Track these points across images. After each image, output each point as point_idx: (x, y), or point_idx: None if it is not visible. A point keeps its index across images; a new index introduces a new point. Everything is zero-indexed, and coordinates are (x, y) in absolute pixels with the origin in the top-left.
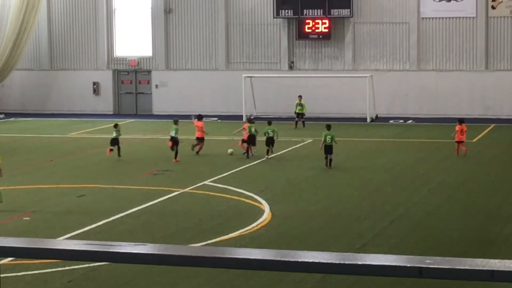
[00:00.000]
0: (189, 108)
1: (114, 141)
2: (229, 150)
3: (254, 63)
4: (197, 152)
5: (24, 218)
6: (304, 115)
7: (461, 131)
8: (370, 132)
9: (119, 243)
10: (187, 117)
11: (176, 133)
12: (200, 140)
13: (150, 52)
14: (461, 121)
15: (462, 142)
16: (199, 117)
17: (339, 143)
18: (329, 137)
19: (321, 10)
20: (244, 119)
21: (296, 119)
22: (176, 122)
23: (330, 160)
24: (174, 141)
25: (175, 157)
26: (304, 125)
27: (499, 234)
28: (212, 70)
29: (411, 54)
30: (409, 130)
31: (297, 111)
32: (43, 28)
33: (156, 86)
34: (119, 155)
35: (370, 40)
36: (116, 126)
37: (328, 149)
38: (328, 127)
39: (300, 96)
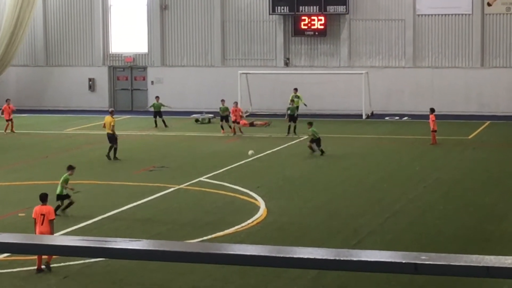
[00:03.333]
0: (185, 105)
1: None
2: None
3: (250, 60)
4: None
5: (20, 214)
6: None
7: (434, 121)
8: (365, 129)
9: (115, 239)
10: (185, 113)
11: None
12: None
13: (145, 49)
14: (432, 110)
15: (436, 131)
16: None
17: (333, 139)
18: (314, 130)
19: (317, 6)
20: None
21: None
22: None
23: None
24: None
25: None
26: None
27: (495, 231)
28: (208, 66)
29: (407, 51)
30: (404, 127)
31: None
32: (39, 24)
33: (152, 82)
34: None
35: (366, 37)
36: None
37: (318, 142)
38: (311, 124)
39: (295, 89)
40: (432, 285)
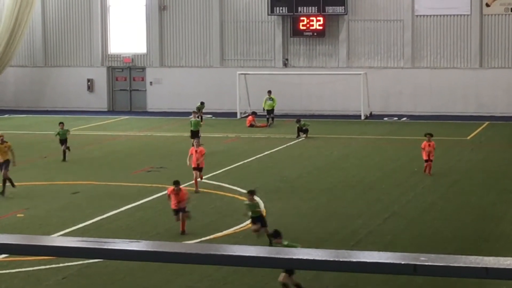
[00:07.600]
0: (183, 105)
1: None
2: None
3: (248, 60)
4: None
5: (18, 215)
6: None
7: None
8: (364, 130)
9: (113, 240)
10: (184, 113)
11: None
12: None
13: (144, 49)
14: (431, 135)
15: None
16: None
17: (332, 140)
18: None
19: (316, 7)
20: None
21: (267, 116)
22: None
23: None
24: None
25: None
26: (272, 121)
27: (493, 232)
28: (207, 67)
29: (405, 52)
30: (403, 128)
31: (266, 107)
32: (38, 24)
33: (151, 83)
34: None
35: (364, 38)
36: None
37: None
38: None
39: (269, 92)
40: (431, 286)
